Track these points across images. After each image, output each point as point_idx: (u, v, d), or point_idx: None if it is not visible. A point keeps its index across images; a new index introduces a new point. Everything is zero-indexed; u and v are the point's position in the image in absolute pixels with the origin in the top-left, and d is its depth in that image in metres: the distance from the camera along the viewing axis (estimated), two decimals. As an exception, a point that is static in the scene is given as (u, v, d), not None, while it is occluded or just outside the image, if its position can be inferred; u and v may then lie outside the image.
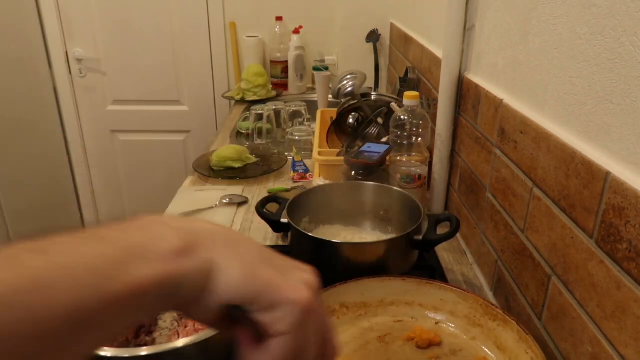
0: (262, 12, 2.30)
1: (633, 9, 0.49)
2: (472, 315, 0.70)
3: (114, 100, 2.48)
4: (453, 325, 0.71)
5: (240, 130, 1.72)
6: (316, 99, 1.98)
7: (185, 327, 0.69)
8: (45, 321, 0.25)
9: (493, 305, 0.68)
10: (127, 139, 2.56)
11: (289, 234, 0.89)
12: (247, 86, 2.05)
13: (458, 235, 1.00)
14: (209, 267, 0.31)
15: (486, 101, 0.87)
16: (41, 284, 0.25)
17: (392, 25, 1.97)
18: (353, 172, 1.06)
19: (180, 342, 0.53)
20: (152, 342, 0.66)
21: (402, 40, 1.72)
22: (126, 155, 2.59)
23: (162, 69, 2.41)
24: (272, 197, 0.96)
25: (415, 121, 1.03)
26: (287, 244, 0.97)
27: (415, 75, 1.43)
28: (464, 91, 1.00)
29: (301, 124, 1.73)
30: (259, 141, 1.65)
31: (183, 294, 0.30)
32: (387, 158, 1.07)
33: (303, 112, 1.75)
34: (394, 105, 1.19)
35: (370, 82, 2.00)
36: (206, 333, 0.59)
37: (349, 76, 1.50)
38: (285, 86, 2.28)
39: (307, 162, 1.35)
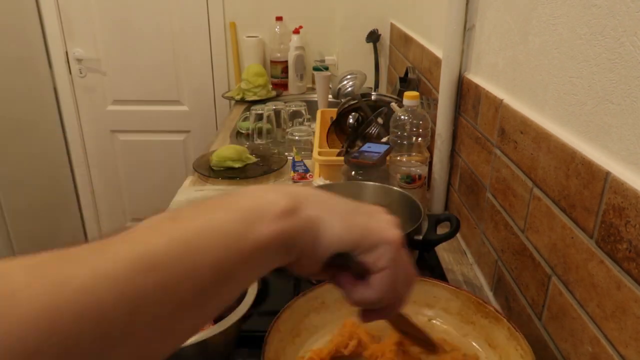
0: (262, 12, 2.30)
1: (633, 9, 0.49)
2: (464, 312, 0.70)
3: (114, 100, 2.48)
4: (446, 322, 0.72)
5: (240, 130, 1.72)
6: (316, 99, 1.97)
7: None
8: (198, 276, 0.29)
9: (485, 302, 0.68)
10: (127, 139, 2.56)
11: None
12: (247, 86, 2.05)
13: (458, 235, 1.00)
14: (316, 223, 0.35)
15: (486, 101, 0.87)
16: (189, 246, 0.29)
17: (392, 25, 1.97)
18: (353, 172, 1.05)
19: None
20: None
21: (402, 40, 1.72)
22: (126, 155, 2.59)
23: (162, 69, 2.41)
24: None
25: (415, 121, 1.03)
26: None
27: (415, 75, 1.43)
28: (464, 91, 1.00)
29: (301, 124, 1.73)
30: (259, 141, 1.65)
31: (298, 247, 0.34)
32: (387, 158, 1.07)
33: (303, 112, 1.74)
34: (394, 105, 1.19)
35: (370, 82, 2.00)
36: (206, 333, 0.59)
37: (349, 76, 1.51)
38: (285, 86, 2.28)
39: (307, 162, 1.35)
